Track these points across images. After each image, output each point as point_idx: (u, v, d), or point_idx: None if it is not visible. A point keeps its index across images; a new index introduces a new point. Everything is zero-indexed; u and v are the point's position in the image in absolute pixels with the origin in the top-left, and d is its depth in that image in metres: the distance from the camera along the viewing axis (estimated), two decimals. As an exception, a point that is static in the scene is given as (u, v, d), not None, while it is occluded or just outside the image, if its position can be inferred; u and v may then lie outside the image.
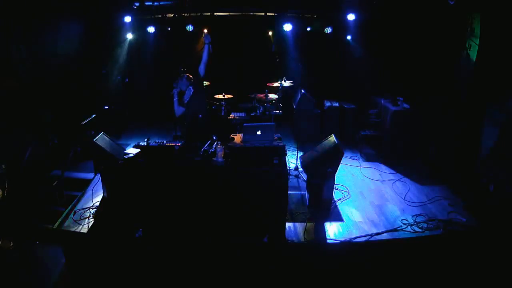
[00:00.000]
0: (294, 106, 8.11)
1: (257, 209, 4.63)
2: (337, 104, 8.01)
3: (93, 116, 6.57)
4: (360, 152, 7.33)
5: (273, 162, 4.59)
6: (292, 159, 6.71)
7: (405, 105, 6.85)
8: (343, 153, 5.12)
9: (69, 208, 5.21)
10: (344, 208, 5.35)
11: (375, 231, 4.79)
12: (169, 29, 8.50)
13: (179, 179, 4.63)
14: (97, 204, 5.26)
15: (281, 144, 4.92)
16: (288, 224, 4.86)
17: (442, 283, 4.27)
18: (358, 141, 7.62)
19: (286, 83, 7.37)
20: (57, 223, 4.85)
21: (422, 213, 5.16)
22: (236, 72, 8.96)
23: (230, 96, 7.34)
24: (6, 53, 5.71)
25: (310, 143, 6.65)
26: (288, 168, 5.40)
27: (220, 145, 4.68)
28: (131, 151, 4.86)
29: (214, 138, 5.03)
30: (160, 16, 8.36)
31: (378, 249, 4.62)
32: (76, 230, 4.73)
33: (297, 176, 6.26)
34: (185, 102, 5.73)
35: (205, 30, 7.53)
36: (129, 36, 8.26)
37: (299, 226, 4.89)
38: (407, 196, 5.67)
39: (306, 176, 5.72)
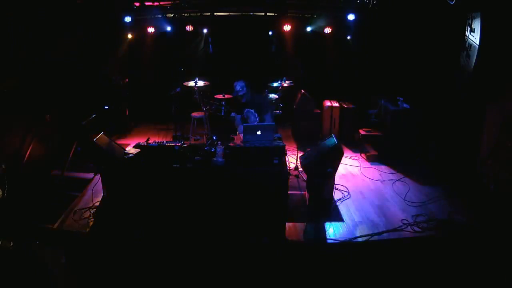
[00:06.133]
0: (294, 106, 8.11)
1: (258, 209, 4.63)
2: (337, 104, 8.01)
3: (93, 116, 6.57)
4: (360, 152, 7.33)
5: (273, 162, 4.59)
6: (292, 159, 6.71)
7: (405, 105, 6.84)
8: (343, 153, 5.12)
9: (69, 208, 5.22)
10: (344, 208, 5.35)
11: (375, 231, 4.79)
12: (169, 29, 8.50)
13: (179, 179, 4.63)
14: (97, 204, 5.26)
15: (281, 144, 4.92)
16: (288, 224, 4.86)
17: (442, 283, 4.26)
18: (358, 141, 7.62)
19: (286, 83, 7.37)
20: (57, 223, 4.86)
21: (422, 213, 5.16)
22: (236, 72, 8.96)
23: (230, 96, 7.34)
24: (6, 53, 5.71)
25: (310, 143, 6.65)
26: (288, 168, 5.41)
27: (220, 145, 4.68)
28: (131, 151, 4.86)
29: (214, 138, 5.02)
30: (160, 16, 8.38)
31: (378, 249, 4.62)
32: (76, 230, 4.74)
33: (297, 176, 6.26)
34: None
35: (205, 30, 7.55)
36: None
37: (299, 226, 4.89)
38: (407, 196, 5.67)
39: (306, 176, 5.72)
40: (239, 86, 5.90)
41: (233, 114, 6.10)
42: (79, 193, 5.63)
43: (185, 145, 4.99)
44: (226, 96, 7.25)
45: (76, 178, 6.08)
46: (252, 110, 5.79)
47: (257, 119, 5.82)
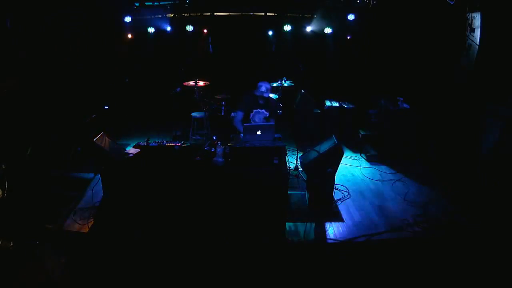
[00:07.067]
0: (294, 106, 8.12)
1: (257, 209, 4.63)
2: (337, 104, 8.01)
3: (93, 116, 6.58)
4: (360, 152, 7.33)
5: (273, 162, 4.59)
6: (292, 159, 6.71)
7: (405, 105, 6.85)
8: (343, 153, 5.12)
9: (69, 208, 5.21)
10: (344, 208, 5.35)
11: (375, 231, 4.79)
12: (169, 29, 8.51)
13: (179, 179, 4.63)
14: (97, 204, 5.26)
15: (281, 144, 4.92)
16: (288, 224, 4.86)
17: (442, 283, 4.26)
18: (358, 141, 7.62)
19: (286, 83, 7.38)
20: (57, 223, 4.86)
21: (422, 213, 5.15)
22: (236, 72, 8.97)
23: (230, 95, 7.35)
24: (6, 53, 5.72)
25: (310, 143, 6.64)
26: (288, 168, 5.41)
27: (220, 145, 4.68)
28: (131, 151, 4.86)
29: (214, 138, 5.02)
30: (160, 16, 8.39)
31: (378, 249, 4.62)
32: (76, 230, 4.74)
33: (297, 176, 6.26)
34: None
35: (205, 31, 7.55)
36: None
37: (299, 226, 4.89)
38: (407, 196, 5.67)
39: (306, 176, 5.72)
40: (264, 87, 5.52)
41: (233, 114, 6.06)
42: (79, 193, 5.63)
43: (185, 145, 4.99)
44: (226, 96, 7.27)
45: (76, 178, 6.08)
46: (263, 110, 5.70)
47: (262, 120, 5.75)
